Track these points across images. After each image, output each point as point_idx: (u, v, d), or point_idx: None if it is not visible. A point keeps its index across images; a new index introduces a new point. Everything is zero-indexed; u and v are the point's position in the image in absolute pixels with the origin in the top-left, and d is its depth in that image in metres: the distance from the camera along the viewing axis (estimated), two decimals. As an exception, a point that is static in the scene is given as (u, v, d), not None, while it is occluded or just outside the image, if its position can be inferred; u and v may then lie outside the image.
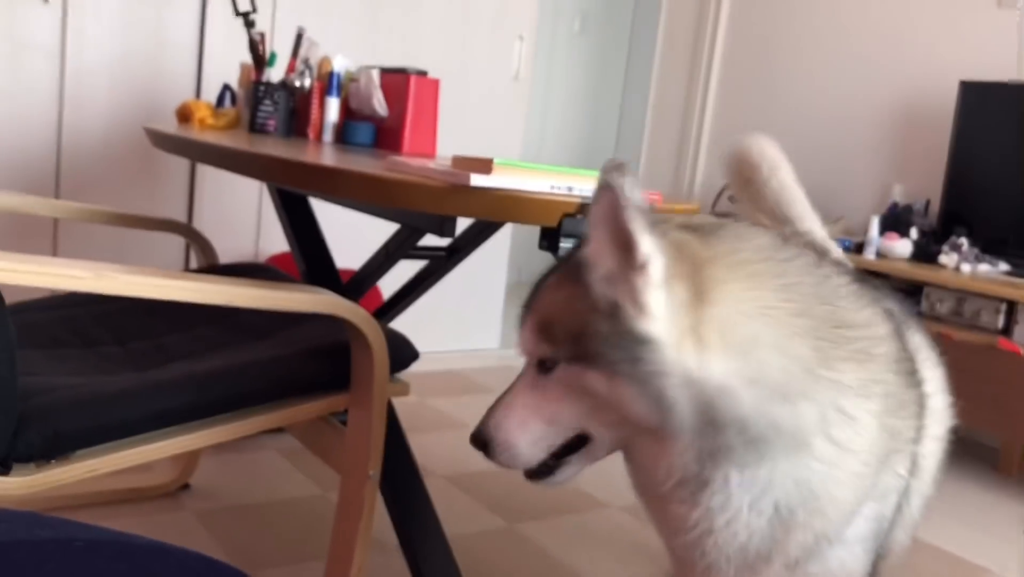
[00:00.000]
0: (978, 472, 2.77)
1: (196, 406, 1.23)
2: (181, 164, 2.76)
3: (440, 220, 1.19)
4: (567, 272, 0.88)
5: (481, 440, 0.94)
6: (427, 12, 3.15)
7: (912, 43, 3.40)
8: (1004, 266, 2.81)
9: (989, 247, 2.87)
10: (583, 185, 1.15)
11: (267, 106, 2.08)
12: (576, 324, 0.83)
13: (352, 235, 2.40)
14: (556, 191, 1.13)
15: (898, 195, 3.35)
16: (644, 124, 4.54)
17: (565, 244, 1.20)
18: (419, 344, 1.46)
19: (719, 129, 4.17)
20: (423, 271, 1.72)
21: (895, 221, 3.15)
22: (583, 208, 1.15)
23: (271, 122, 2.09)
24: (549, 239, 1.19)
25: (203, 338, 1.56)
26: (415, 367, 1.45)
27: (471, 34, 3.27)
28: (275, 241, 2.91)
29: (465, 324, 3.48)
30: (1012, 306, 2.61)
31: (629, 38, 5.46)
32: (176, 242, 2.77)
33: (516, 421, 0.92)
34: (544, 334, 0.87)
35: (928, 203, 3.23)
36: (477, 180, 1.07)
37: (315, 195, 1.58)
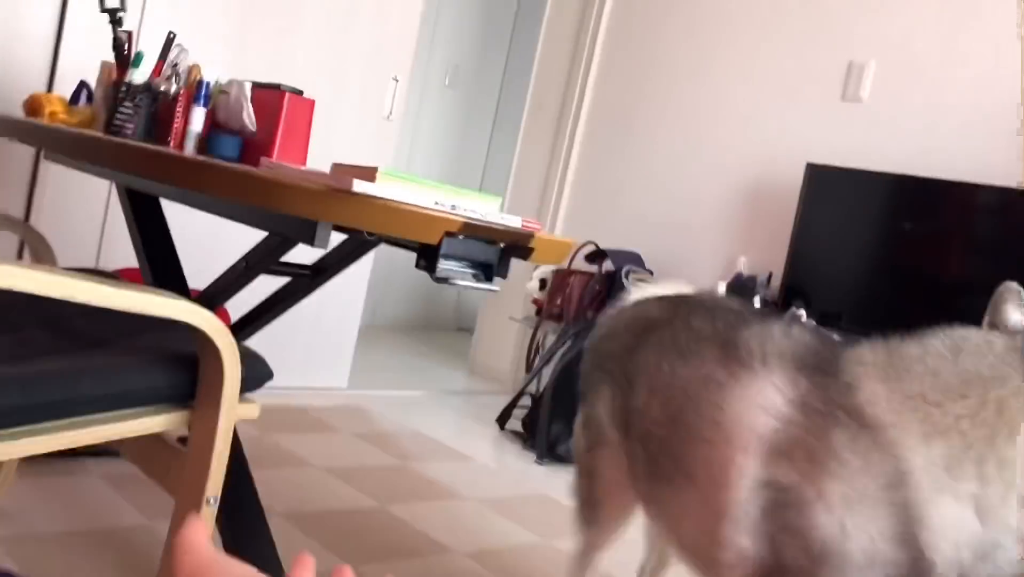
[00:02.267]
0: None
1: (19, 409, 1.11)
2: (22, 159, 2.56)
3: (313, 228, 1.13)
4: None
5: None
6: (302, 38, 3.10)
7: (763, 127, 3.62)
8: (837, 338, 2.98)
9: (824, 320, 3.04)
10: (468, 204, 1.13)
11: (127, 108, 1.96)
12: None
13: (202, 254, 2.29)
14: (440, 207, 1.10)
15: (743, 266, 3.51)
16: (508, 183, 4.61)
17: (444, 265, 1.17)
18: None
19: (579, 193, 4.28)
20: (283, 290, 1.65)
21: (740, 289, 3.30)
22: (466, 227, 1.13)
23: (129, 126, 1.96)
24: (427, 258, 1.16)
25: (31, 342, 1.42)
26: (258, 400, 1.37)
27: (346, 68, 3.23)
28: (120, 256, 2.73)
29: (314, 361, 3.36)
30: (844, 376, 2.75)
31: (498, 96, 5.56)
32: (8, 241, 2.56)
33: None
34: None
35: (770, 275, 3.40)
36: (360, 186, 1.03)
37: (173, 196, 1.49)
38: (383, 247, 4.52)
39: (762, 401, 1.08)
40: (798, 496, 0.99)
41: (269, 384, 1.39)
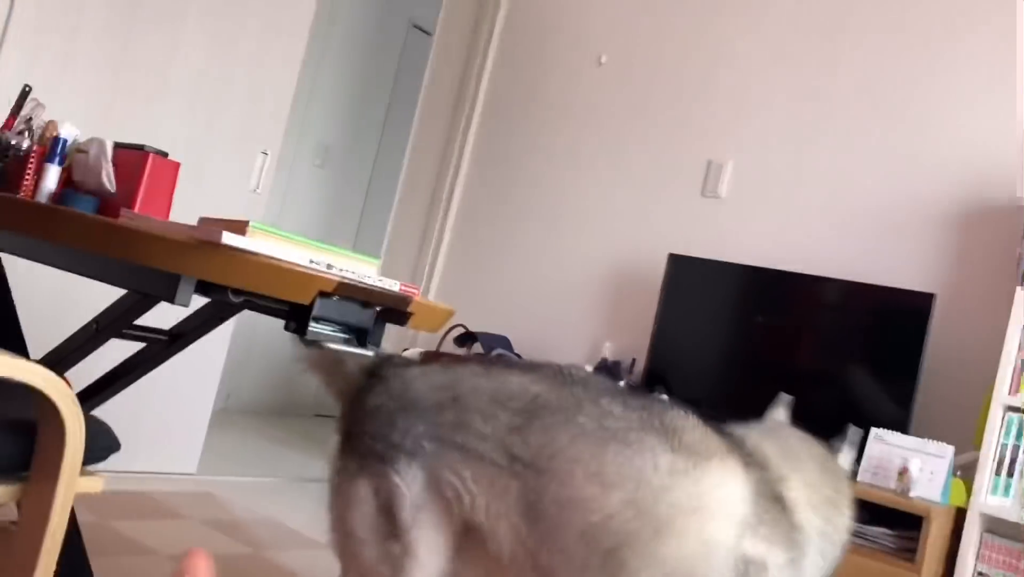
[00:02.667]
0: None
1: None
2: None
3: (175, 284, 1.06)
4: None
5: None
6: (173, 104, 3.01)
7: (629, 218, 3.74)
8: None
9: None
10: (344, 265, 1.09)
11: (-29, 161, 1.83)
12: None
13: (48, 318, 2.13)
14: (315, 266, 1.06)
15: (608, 351, 3.57)
16: (379, 262, 4.56)
17: (316, 328, 1.12)
18: (108, 460, 1.28)
19: (450, 274, 4.28)
20: (135, 357, 1.54)
21: (606, 373, 3.34)
22: (341, 288, 1.09)
23: (-27, 179, 1.83)
24: (298, 319, 1.11)
25: None
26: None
27: (215, 138, 3.15)
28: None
29: (162, 444, 3.16)
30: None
31: (370, 176, 5.56)
32: None
33: None
34: None
35: (634, 361, 3.47)
36: (230, 239, 0.98)
37: (15, 249, 1.38)
38: (242, 325, 4.31)
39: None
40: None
41: (111, 467, 1.28)
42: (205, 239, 0.98)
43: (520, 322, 3.95)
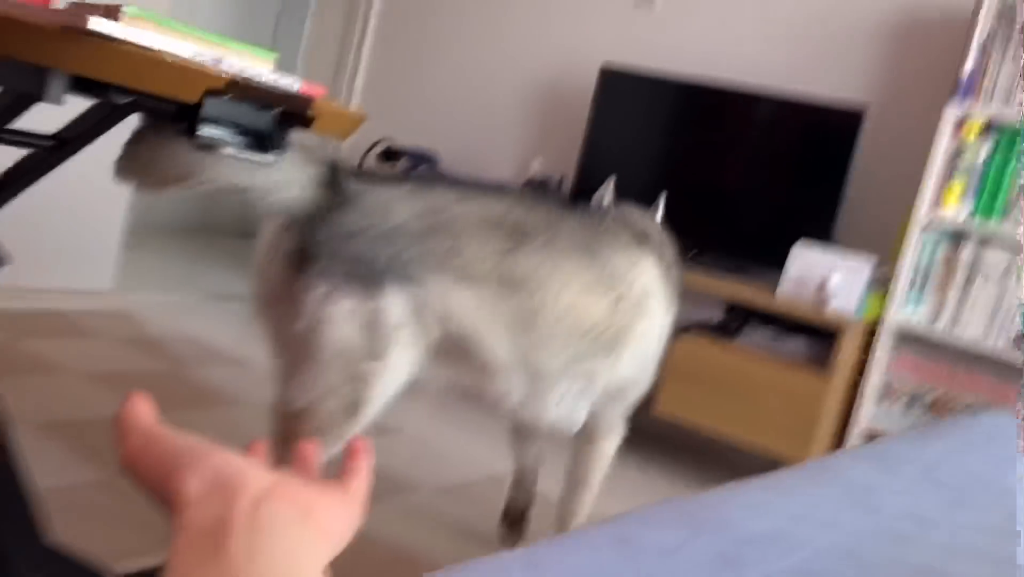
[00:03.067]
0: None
1: None
2: None
3: (43, 78, 0.94)
4: None
5: None
6: None
7: (559, 29, 3.58)
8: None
9: (613, 223, 3.08)
10: (235, 61, 0.98)
11: None
12: None
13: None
14: (200, 60, 0.95)
15: (536, 168, 3.50)
16: (296, 62, 4.32)
17: (207, 130, 1.02)
18: (16, 278, 1.19)
19: (374, 87, 4.09)
20: (21, 164, 1.41)
21: (534, 191, 3.28)
22: (232, 86, 0.98)
23: None
24: (187, 119, 1.00)
25: None
26: (3, 302, 1.17)
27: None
28: None
29: (73, 261, 3.03)
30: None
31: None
32: None
33: None
34: None
35: (562, 179, 3.41)
36: (98, 24, 0.86)
37: None
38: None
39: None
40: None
41: (18, 282, 1.19)
42: (69, 24, 0.86)
43: (447, 137, 3.83)
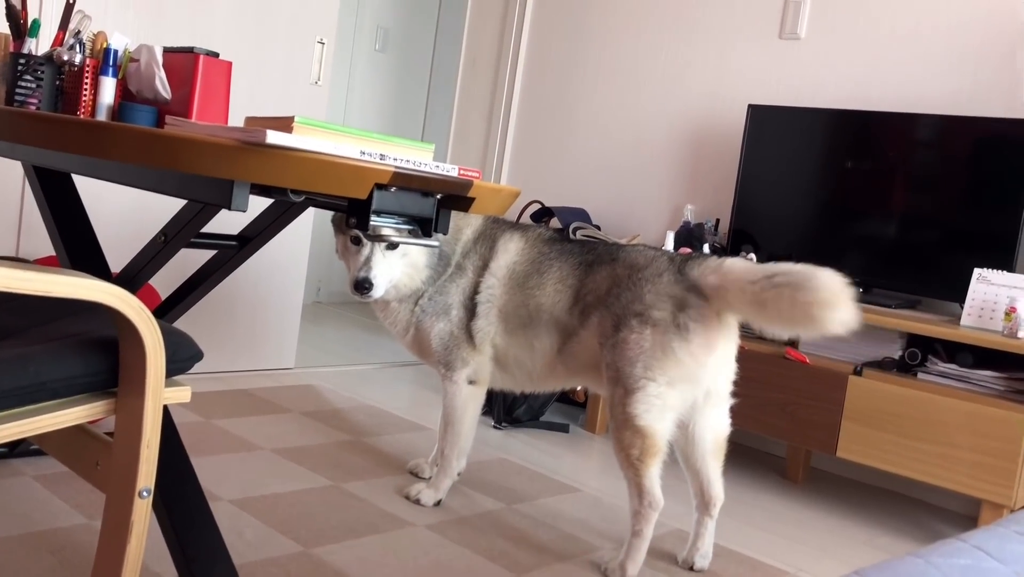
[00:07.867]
0: (767, 479, 2.88)
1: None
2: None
3: (229, 189, 1.03)
4: None
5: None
6: (221, 2, 2.94)
7: (703, 71, 3.56)
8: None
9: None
10: (398, 153, 1.04)
11: (28, 82, 1.82)
12: None
13: (127, 234, 2.16)
14: (367, 158, 1.02)
15: (689, 214, 3.47)
16: (447, 146, 4.50)
17: (377, 221, 1.09)
18: (208, 363, 1.29)
19: (521, 151, 4.19)
20: (209, 264, 1.54)
21: (688, 237, 3.25)
22: (397, 177, 1.04)
23: (33, 101, 1.83)
24: (358, 215, 1.07)
25: (-65, 337, 1.30)
26: (201, 386, 1.28)
27: (268, 32, 3.09)
28: (41, 244, 2.58)
29: (258, 342, 3.25)
30: (797, 317, 2.73)
31: (432, 58, 5.43)
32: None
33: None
34: None
35: (717, 221, 3.36)
36: (275, 138, 0.94)
37: (81, 169, 1.37)
38: (323, 218, 4.37)
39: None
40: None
41: (212, 368, 1.30)
42: (250, 141, 0.94)
43: (597, 194, 3.87)
